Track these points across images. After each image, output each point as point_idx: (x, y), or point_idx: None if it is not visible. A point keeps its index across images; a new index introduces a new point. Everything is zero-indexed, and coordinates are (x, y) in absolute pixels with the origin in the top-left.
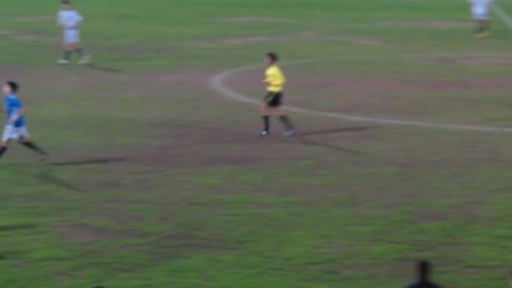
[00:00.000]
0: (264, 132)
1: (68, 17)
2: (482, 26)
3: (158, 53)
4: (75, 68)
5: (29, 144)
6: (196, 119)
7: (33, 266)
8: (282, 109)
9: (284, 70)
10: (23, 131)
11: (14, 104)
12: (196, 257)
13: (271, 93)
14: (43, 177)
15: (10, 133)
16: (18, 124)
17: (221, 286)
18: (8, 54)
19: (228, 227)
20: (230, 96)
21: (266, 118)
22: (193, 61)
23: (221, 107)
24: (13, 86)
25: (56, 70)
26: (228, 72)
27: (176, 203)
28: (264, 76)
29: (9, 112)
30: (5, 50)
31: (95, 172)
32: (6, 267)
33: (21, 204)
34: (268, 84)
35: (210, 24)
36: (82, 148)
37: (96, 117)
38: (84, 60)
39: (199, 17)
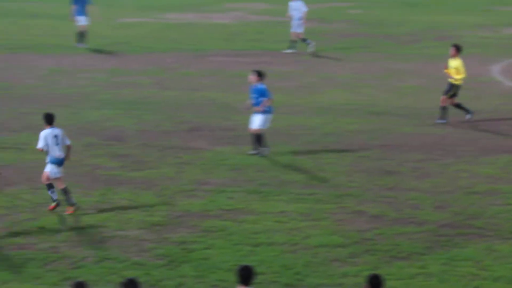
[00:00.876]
0: (468, 116)
1: (295, 7)
2: None
3: (437, 41)
4: (352, 56)
5: (258, 137)
6: (475, 108)
7: (309, 252)
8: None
9: None
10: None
11: (263, 94)
12: (472, 246)
13: (452, 86)
14: (321, 164)
15: (261, 121)
16: (266, 112)
17: (496, 276)
18: (288, 41)
19: (505, 217)
20: (508, 86)
21: (458, 106)
22: (471, 50)
23: (500, 97)
24: (260, 75)
25: (335, 57)
26: (507, 62)
27: (453, 192)
28: (446, 67)
29: (257, 102)
30: (285, 37)
31: (372, 159)
32: (282, 253)
33: (299, 190)
34: (450, 76)
35: (490, 13)
36: (360, 135)
37: (374, 104)
38: (311, 48)
39: (481, 6)
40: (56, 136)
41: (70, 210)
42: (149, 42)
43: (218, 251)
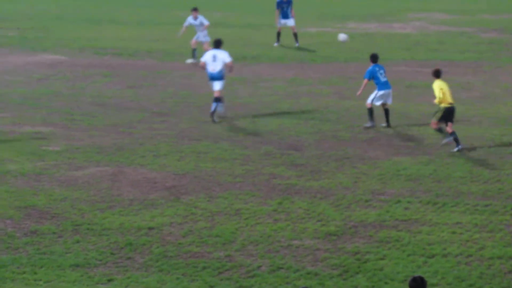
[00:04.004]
0: None
1: None
2: None
3: None
4: None
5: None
6: None
7: (484, 264)
8: None
9: None
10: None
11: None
12: None
13: None
14: (499, 175)
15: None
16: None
17: None
18: (469, 51)
19: None
20: None
21: None
22: None
23: None
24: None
25: None
26: None
27: None
28: None
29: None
30: (466, 47)
31: None
32: (456, 264)
33: (475, 201)
34: None
35: None
36: None
37: None
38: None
39: None
40: None
41: None
42: (330, 52)
43: (392, 262)
